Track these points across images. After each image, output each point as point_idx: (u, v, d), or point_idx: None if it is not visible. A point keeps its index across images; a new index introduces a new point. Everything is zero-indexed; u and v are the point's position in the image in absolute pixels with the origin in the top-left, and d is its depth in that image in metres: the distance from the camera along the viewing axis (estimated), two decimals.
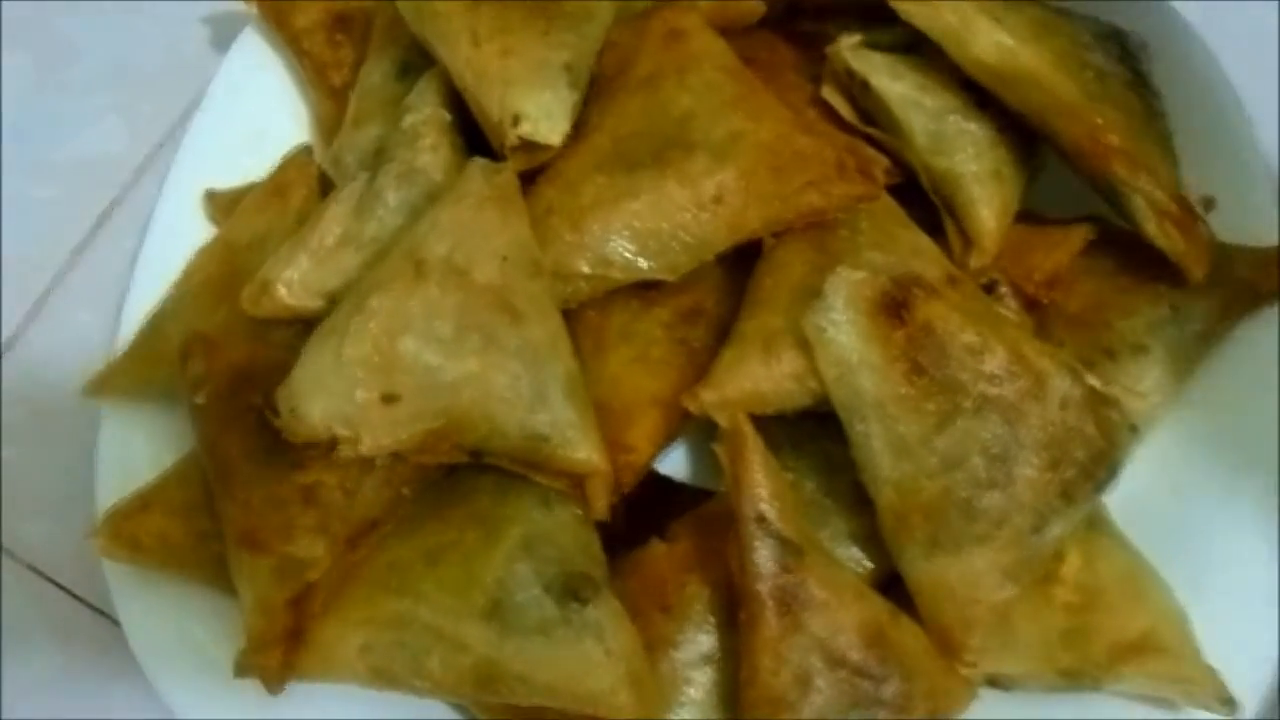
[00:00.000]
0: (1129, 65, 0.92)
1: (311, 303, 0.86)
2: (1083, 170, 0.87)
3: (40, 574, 0.99)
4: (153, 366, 0.93)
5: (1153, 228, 0.86)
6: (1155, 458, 0.89)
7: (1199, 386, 0.92)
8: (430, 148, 0.89)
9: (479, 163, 0.84)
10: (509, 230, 0.81)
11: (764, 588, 0.76)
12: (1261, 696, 0.83)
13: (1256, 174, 0.93)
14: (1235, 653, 0.83)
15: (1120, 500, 0.86)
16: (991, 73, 0.87)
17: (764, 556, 0.76)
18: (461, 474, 0.83)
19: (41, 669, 0.97)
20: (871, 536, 0.82)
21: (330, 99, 1.04)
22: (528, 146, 0.86)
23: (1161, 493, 0.89)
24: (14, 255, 1.11)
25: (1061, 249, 0.90)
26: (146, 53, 1.20)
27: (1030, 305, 0.90)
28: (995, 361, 0.79)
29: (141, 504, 0.88)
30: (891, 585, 0.82)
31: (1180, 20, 0.95)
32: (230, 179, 1.03)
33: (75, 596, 0.99)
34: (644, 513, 0.85)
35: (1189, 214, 0.87)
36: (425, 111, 0.90)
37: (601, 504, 0.80)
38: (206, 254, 0.99)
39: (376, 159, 0.90)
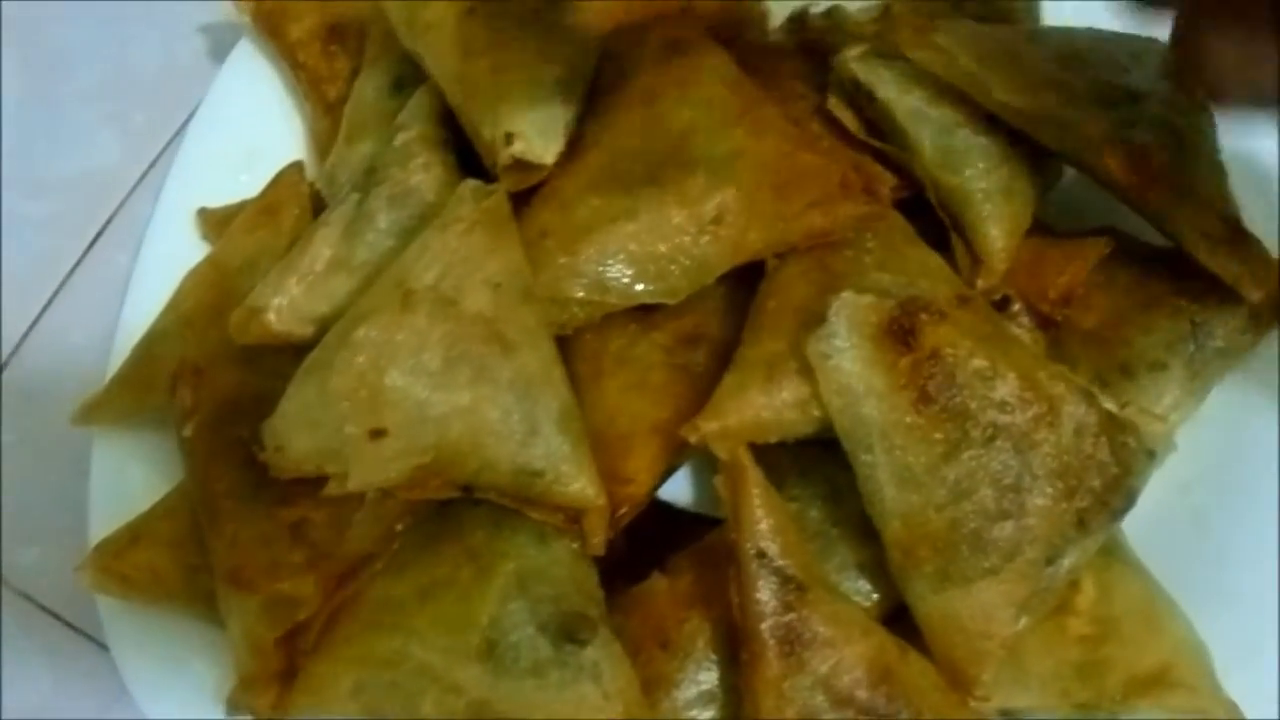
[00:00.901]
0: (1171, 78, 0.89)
1: (301, 329, 0.84)
2: (1127, 202, 0.84)
3: (34, 602, 0.98)
4: (144, 393, 0.92)
5: (1204, 253, 0.83)
6: (1173, 481, 0.86)
7: (1219, 405, 0.89)
8: (422, 167, 0.87)
9: (469, 185, 0.81)
10: (500, 256, 0.79)
11: (766, 626, 0.73)
12: None
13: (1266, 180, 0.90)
14: (1258, 683, 0.81)
15: (1138, 526, 0.83)
16: (1019, 114, 0.84)
17: (765, 594, 0.74)
18: (455, 507, 0.80)
19: (35, 696, 0.96)
20: (879, 566, 0.80)
21: (325, 113, 1.02)
22: (521, 165, 0.83)
23: (1181, 518, 0.87)
24: (9, 274, 1.10)
25: (1077, 264, 0.87)
26: (142, 62, 1.18)
27: (1045, 323, 0.87)
28: (1006, 388, 0.76)
29: (130, 537, 0.86)
30: (900, 616, 0.79)
31: None
32: (225, 195, 1.01)
33: (68, 624, 0.97)
34: (646, 541, 0.83)
35: (1239, 234, 0.84)
36: (417, 129, 0.88)
37: (598, 539, 0.78)
38: (197, 276, 0.97)
39: (367, 178, 0.87)
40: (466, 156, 0.89)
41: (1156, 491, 0.83)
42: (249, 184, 1.00)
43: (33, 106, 1.17)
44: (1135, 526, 0.83)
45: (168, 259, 0.99)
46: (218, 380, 0.85)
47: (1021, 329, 0.86)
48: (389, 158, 0.88)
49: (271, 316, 0.84)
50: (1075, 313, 0.88)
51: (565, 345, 0.83)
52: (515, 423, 0.76)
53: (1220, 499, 0.88)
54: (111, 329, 0.99)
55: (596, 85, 0.89)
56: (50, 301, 1.08)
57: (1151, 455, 0.80)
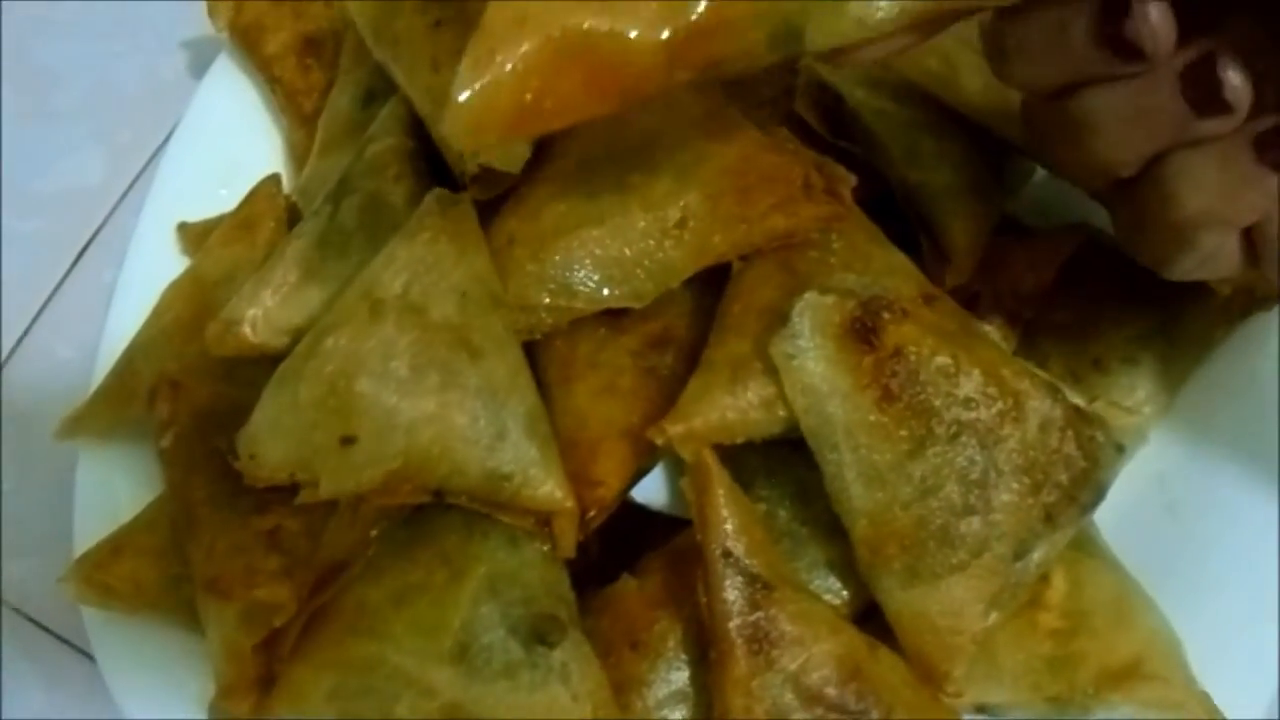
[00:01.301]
0: None
1: (276, 340, 0.85)
2: (1094, 196, 0.84)
3: (24, 615, 0.99)
4: (125, 406, 0.92)
5: None
6: (1149, 473, 0.86)
7: (1193, 396, 0.89)
8: (393, 178, 0.88)
9: (435, 194, 0.82)
10: (466, 264, 0.79)
11: (733, 625, 0.74)
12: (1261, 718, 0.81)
13: None
14: (1234, 674, 0.81)
15: (1113, 518, 0.83)
16: (985, 111, 0.85)
17: (732, 593, 0.74)
18: (429, 513, 0.81)
19: (28, 710, 0.97)
20: (849, 564, 0.80)
21: (301, 126, 1.03)
22: (488, 174, 0.84)
23: (1156, 510, 0.87)
24: None
25: (1047, 260, 0.88)
26: (126, 79, 1.19)
27: (1016, 319, 0.87)
28: (970, 384, 0.76)
29: (113, 548, 0.87)
30: (872, 614, 0.80)
31: None
32: (206, 209, 1.02)
33: (59, 638, 0.98)
34: (619, 542, 0.84)
35: None
36: (388, 140, 0.89)
37: (568, 542, 0.79)
38: (177, 290, 0.98)
39: (340, 190, 0.88)
40: (438, 166, 0.89)
41: (1131, 484, 0.83)
42: (228, 198, 1.01)
43: (19, 124, 1.19)
44: (1110, 519, 0.83)
45: (150, 273, 1.00)
46: (195, 392, 0.86)
47: (992, 326, 0.86)
48: (360, 169, 0.88)
49: (247, 329, 0.85)
50: (1047, 308, 0.88)
51: (535, 351, 0.83)
52: (483, 427, 0.77)
53: (1195, 491, 0.87)
54: (97, 342, 0.99)
55: None
56: (37, 316, 1.10)
57: (1120, 449, 0.80)
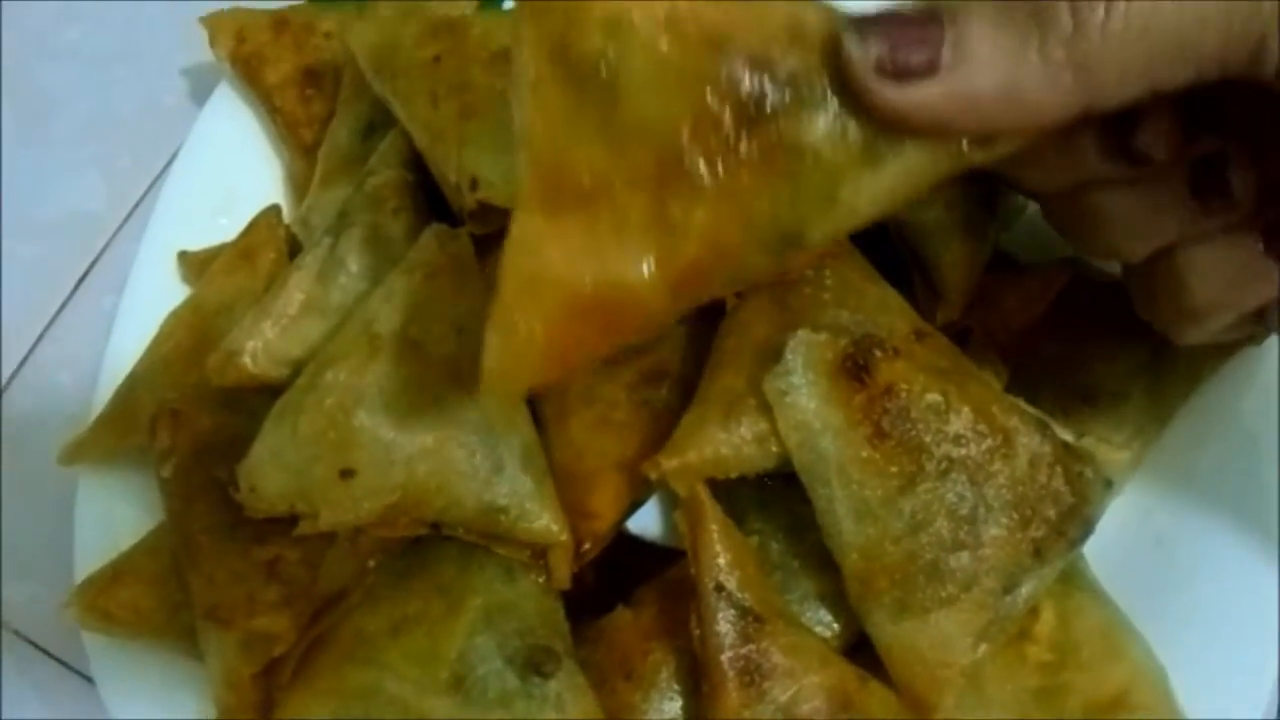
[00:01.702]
0: None
1: (276, 371, 0.86)
2: None
3: (26, 639, 1.00)
4: (126, 433, 0.93)
5: None
6: (1137, 506, 0.87)
7: (1180, 428, 0.90)
8: (393, 211, 0.89)
9: (434, 230, 0.83)
10: (465, 300, 0.80)
11: (725, 658, 0.75)
12: None
13: None
14: (1222, 705, 0.82)
15: (1101, 550, 0.84)
16: None
17: (724, 626, 0.75)
18: (426, 544, 0.82)
19: None
20: (840, 597, 0.80)
21: (302, 156, 1.04)
22: (486, 210, 0.85)
23: (1145, 542, 0.88)
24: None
25: (1038, 296, 0.89)
26: (126, 105, 1.20)
27: (1007, 354, 0.88)
28: (960, 421, 0.77)
29: (114, 575, 0.88)
30: (863, 646, 0.81)
31: None
32: (206, 237, 1.03)
33: (61, 662, 0.99)
34: (614, 573, 0.85)
35: None
36: (387, 174, 0.90)
37: (563, 574, 0.80)
38: (177, 319, 0.99)
39: (340, 222, 0.89)
40: (436, 200, 0.90)
41: (1117, 516, 0.84)
42: (229, 227, 1.02)
43: (20, 149, 1.19)
44: (1097, 550, 0.84)
45: (151, 301, 1.01)
46: (195, 422, 0.87)
47: (983, 361, 0.87)
48: (360, 202, 0.89)
49: (247, 360, 0.86)
50: (1037, 342, 0.89)
51: None
52: (479, 461, 0.78)
53: (1182, 523, 0.88)
54: (97, 368, 1.00)
55: None
56: (37, 342, 1.10)
57: (1109, 485, 0.81)
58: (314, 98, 1.05)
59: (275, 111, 1.05)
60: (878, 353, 0.77)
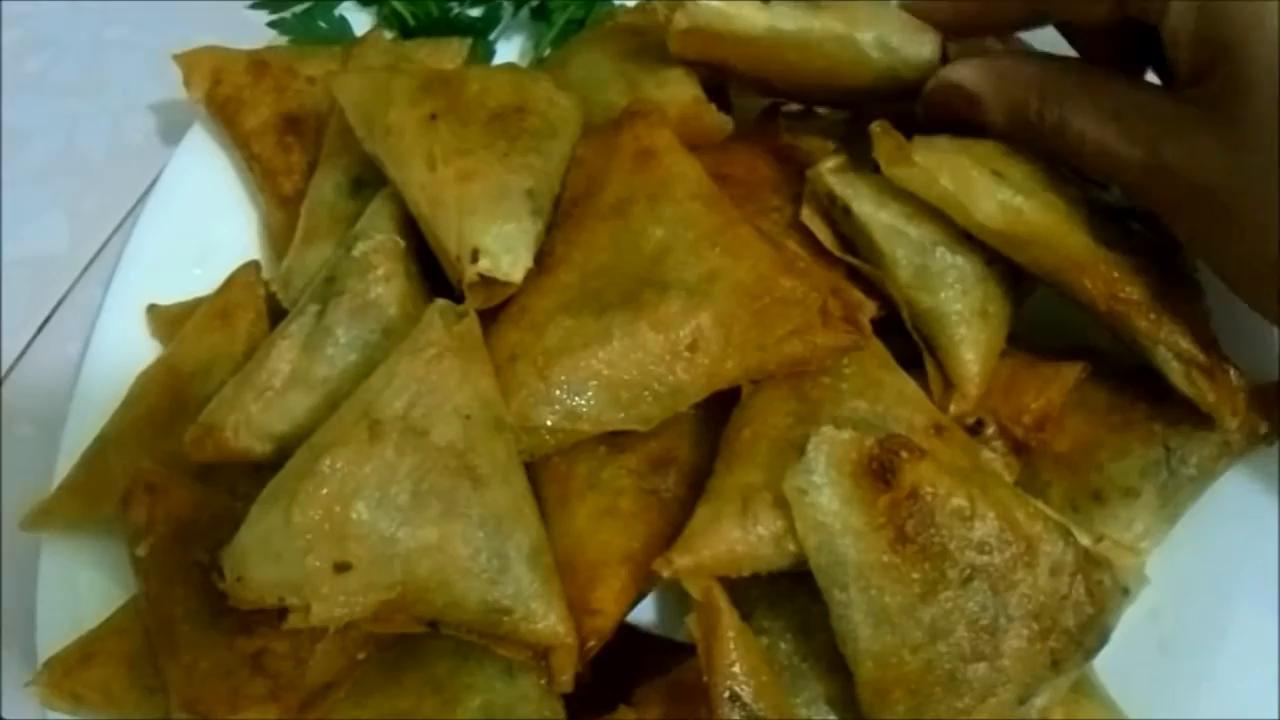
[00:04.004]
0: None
1: (259, 446, 0.82)
2: (1104, 323, 0.84)
3: None
4: (94, 501, 0.89)
5: (1180, 379, 0.84)
6: (1141, 609, 0.85)
7: (1187, 530, 0.89)
8: (383, 278, 0.85)
9: (438, 307, 0.79)
10: (471, 384, 0.77)
11: None
12: None
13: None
14: None
15: (1107, 652, 0.81)
16: (999, 236, 0.83)
17: None
18: (419, 637, 0.78)
19: None
20: (850, 700, 0.78)
21: (280, 207, 0.99)
22: (488, 282, 0.81)
23: (1150, 645, 0.86)
24: None
25: (1053, 388, 0.87)
26: (91, 141, 1.15)
27: (1019, 447, 0.86)
28: (985, 528, 0.75)
29: (82, 655, 0.84)
30: None
31: None
32: (178, 289, 0.98)
33: None
34: (611, 664, 0.81)
35: (1215, 358, 0.84)
36: (377, 238, 0.85)
37: (567, 677, 0.76)
38: (149, 378, 0.94)
39: (326, 288, 0.84)
40: (430, 266, 0.86)
41: (1125, 618, 0.82)
42: (203, 279, 0.98)
43: None
44: (1103, 653, 0.82)
45: (118, 355, 0.97)
46: (173, 497, 0.83)
47: (995, 453, 0.85)
48: (348, 268, 0.85)
49: (229, 434, 0.82)
50: (1048, 436, 0.87)
51: (534, 467, 0.81)
52: (485, 560, 0.74)
53: (1188, 626, 0.87)
54: (59, 420, 0.96)
55: (567, 192, 0.87)
56: None
57: (1126, 592, 0.79)
58: (294, 146, 1.00)
59: (252, 159, 1.01)
60: (904, 453, 0.74)
